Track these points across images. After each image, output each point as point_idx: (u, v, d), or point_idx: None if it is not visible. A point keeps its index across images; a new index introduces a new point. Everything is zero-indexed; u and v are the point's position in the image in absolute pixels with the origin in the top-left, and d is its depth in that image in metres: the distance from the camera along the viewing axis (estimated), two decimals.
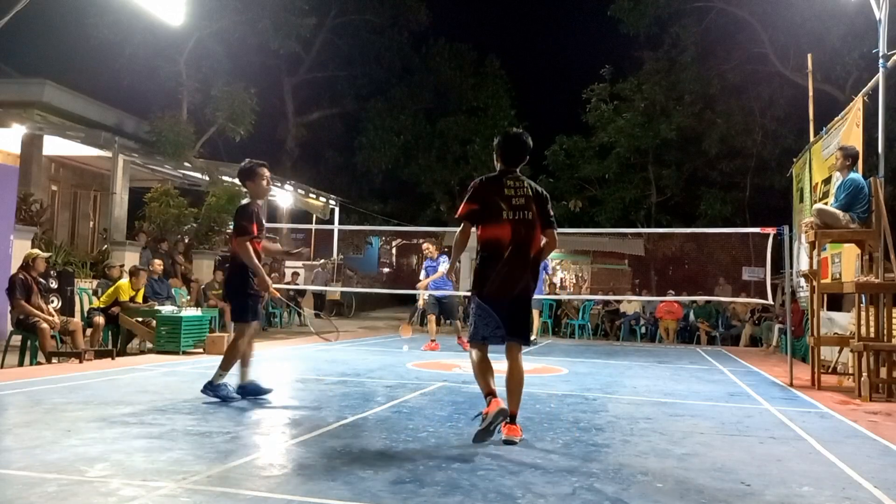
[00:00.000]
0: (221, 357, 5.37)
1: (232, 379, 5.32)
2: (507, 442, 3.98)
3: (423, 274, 10.71)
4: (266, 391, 5.36)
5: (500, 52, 27.43)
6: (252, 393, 5.31)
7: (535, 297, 10.61)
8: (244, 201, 5.43)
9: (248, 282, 5.23)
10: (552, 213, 4.28)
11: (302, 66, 25.40)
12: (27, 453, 3.49)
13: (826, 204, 7.68)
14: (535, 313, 11.25)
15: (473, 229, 4.30)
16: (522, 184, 4.22)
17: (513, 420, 4.08)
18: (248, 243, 5.17)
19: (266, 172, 5.47)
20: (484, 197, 4.18)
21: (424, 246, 11.28)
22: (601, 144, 24.50)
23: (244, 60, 21.13)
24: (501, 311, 4.12)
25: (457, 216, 4.29)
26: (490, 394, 4.04)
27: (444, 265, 10.21)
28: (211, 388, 5.18)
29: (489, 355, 4.27)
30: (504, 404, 4.00)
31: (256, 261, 5.22)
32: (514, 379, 4.13)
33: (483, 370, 4.13)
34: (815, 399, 6.32)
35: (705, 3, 22.22)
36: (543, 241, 4.25)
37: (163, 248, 13.41)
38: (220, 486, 3.03)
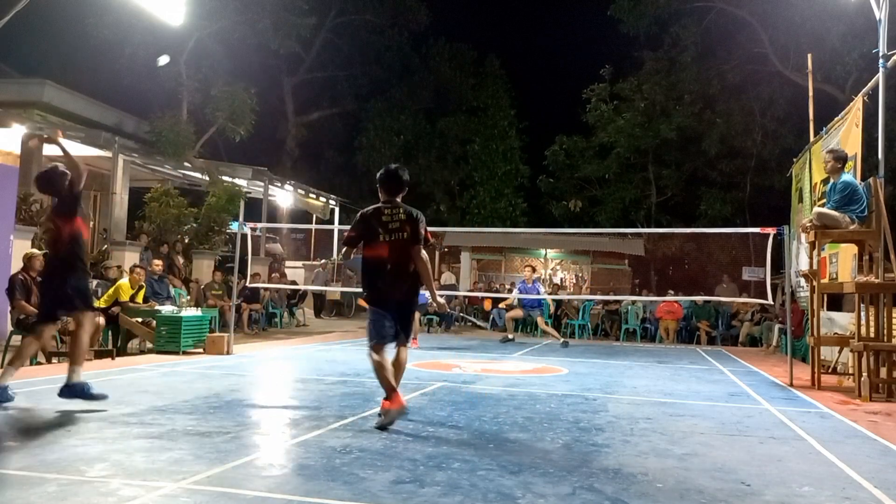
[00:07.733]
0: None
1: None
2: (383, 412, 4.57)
3: (516, 292, 13.06)
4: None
5: (500, 52, 27.27)
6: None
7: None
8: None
9: None
10: (422, 232, 4.76)
11: (302, 66, 25.34)
12: (27, 453, 3.49)
13: (822, 206, 7.67)
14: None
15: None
16: (399, 210, 4.74)
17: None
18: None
19: None
20: (364, 225, 4.77)
21: (527, 271, 13.19)
22: (601, 144, 24.45)
23: (244, 60, 21.07)
24: (391, 314, 4.72)
25: (342, 242, 5.01)
26: (392, 390, 4.55)
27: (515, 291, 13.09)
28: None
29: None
30: (405, 402, 4.58)
31: None
32: (400, 363, 4.83)
33: (383, 369, 4.65)
34: (815, 399, 6.33)
35: (705, 3, 22.18)
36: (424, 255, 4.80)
37: (163, 251, 13.40)
38: (220, 486, 3.03)
